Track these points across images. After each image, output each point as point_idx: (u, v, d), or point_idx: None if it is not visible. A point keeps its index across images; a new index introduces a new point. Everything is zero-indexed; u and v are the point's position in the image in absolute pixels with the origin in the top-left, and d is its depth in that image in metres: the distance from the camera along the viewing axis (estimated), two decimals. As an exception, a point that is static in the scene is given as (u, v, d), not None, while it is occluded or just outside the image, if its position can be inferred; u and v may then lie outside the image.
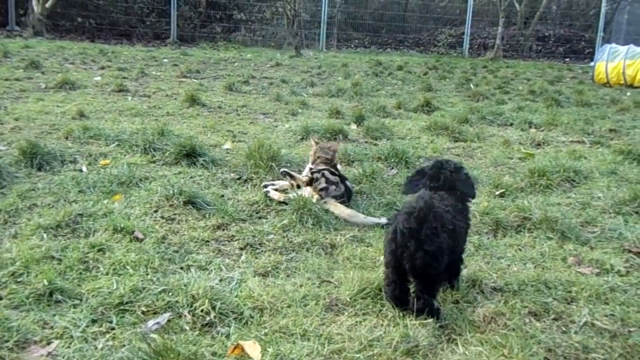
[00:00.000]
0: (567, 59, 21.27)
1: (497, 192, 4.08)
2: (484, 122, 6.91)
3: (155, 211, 3.44)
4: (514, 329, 2.27)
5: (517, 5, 21.80)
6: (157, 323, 2.24)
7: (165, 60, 12.50)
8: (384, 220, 3.42)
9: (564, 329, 2.34)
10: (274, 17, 20.77)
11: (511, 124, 6.91)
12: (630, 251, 3.16)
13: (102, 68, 10.39)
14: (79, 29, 18.62)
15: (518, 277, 2.75)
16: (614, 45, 12.56)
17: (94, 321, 2.25)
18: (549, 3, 23.77)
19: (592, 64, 16.04)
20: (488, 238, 3.32)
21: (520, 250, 3.15)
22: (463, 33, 21.22)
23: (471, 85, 10.73)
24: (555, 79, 12.84)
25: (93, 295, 2.42)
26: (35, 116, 5.76)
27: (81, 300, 2.39)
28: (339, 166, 4.03)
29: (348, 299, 2.49)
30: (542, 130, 6.51)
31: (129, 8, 19.60)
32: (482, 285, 2.68)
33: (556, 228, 3.37)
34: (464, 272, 2.78)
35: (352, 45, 21.94)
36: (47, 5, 16.62)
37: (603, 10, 20.09)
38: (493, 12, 22.17)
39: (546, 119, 7.01)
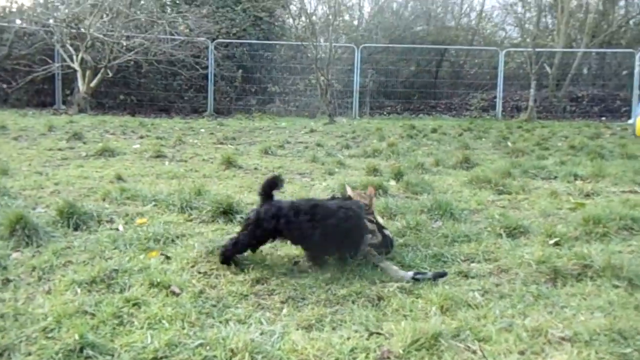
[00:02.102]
0: (602, 118, 20.94)
1: (551, 241, 3.83)
2: (527, 176, 6.69)
3: (193, 266, 3.31)
4: (593, 381, 2.01)
5: (547, 68, 21.83)
6: (194, 378, 2.06)
7: (202, 130, 12.73)
8: (410, 274, 3.18)
9: (649, 381, 2.06)
10: (307, 88, 21.20)
11: (555, 177, 6.66)
12: None
13: (141, 137, 10.60)
14: (120, 106, 19.31)
15: (587, 327, 2.49)
16: (652, 99, 12.31)
17: (126, 377, 2.08)
18: (580, 65, 23.75)
19: (630, 121, 15.75)
20: (547, 287, 3.06)
21: (584, 299, 2.89)
22: (495, 97, 21.22)
23: (509, 143, 10.54)
24: (594, 135, 12.56)
25: (126, 351, 2.27)
26: (74, 181, 5.80)
27: (113, 355, 2.24)
28: (377, 216, 3.86)
29: (401, 351, 2.27)
30: (589, 182, 6.24)
31: (168, 85, 20.31)
32: (548, 335, 2.42)
33: (622, 275, 3.10)
34: (526, 321, 2.53)
35: (385, 113, 22.12)
36: (92, 84, 17.34)
37: (637, 69, 19.92)
38: (524, 76, 22.22)
39: (592, 170, 6.75)
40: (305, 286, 3.06)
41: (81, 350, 2.24)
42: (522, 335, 2.42)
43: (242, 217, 4.34)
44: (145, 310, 2.64)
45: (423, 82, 23.53)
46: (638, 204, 5.02)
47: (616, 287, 3.02)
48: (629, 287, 3.01)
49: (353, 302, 2.85)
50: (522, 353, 2.28)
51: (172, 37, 18.46)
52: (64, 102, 18.35)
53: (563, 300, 2.85)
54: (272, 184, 3.45)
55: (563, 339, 2.39)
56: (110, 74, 17.71)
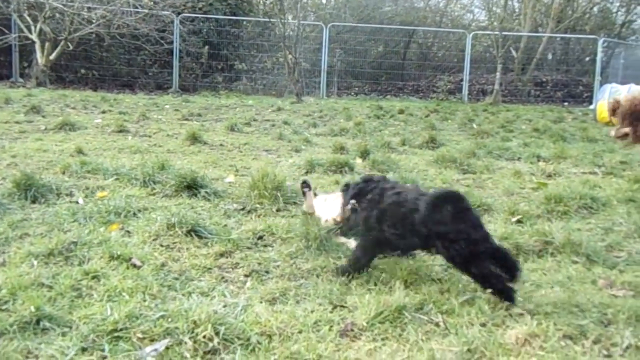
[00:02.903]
0: (565, 103, 21.37)
1: (514, 219, 3.89)
2: (491, 157, 6.77)
3: (155, 239, 3.24)
4: (552, 352, 2.04)
5: (514, 52, 22.09)
6: (155, 350, 2.02)
7: (167, 106, 12.49)
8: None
9: (605, 352, 2.11)
10: (275, 66, 20.99)
11: (519, 158, 6.77)
12: (663, 274, 2.95)
13: (103, 112, 10.34)
14: (81, 80, 18.77)
15: (547, 300, 2.53)
16: (614, 85, 12.59)
17: (84, 349, 2.03)
18: (545, 50, 24.11)
19: (591, 106, 16.10)
20: (509, 263, 3.10)
21: (545, 274, 2.94)
22: (462, 79, 21.41)
23: (474, 125, 10.66)
24: (557, 120, 12.81)
25: (84, 323, 2.21)
26: (33, 154, 5.62)
27: (71, 327, 2.18)
28: None
29: (364, 324, 2.27)
30: (552, 163, 6.36)
31: (132, 60, 19.82)
32: (509, 308, 2.46)
33: (581, 252, 3.17)
34: (488, 295, 2.57)
35: (352, 93, 22.10)
36: (52, 57, 16.80)
37: (599, 56, 20.32)
38: (490, 60, 22.47)
39: (554, 152, 6.88)
40: (270, 260, 3.04)
41: (37, 322, 2.17)
42: (484, 308, 2.44)
43: (206, 192, 4.27)
44: (104, 283, 2.58)
45: (391, 64, 23.55)
46: (597, 184, 5.14)
47: (575, 262, 3.08)
48: (587, 262, 3.08)
49: (318, 276, 2.84)
50: (483, 325, 2.30)
51: (136, 9, 17.98)
52: (21, 75, 17.74)
53: (524, 275, 2.89)
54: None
55: (524, 311, 2.42)
56: (71, 47, 17.18)
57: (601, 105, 12.24)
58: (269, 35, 21.25)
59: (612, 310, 2.44)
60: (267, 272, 2.90)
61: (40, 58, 16.60)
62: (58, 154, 5.71)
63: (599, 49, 20.37)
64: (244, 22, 21.25)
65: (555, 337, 2.17)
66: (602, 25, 25.41)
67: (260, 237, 3.41)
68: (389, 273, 2.87)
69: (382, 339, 2.17)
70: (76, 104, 11.67)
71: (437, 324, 2.31)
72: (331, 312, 2.41)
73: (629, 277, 2.85)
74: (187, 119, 9.96)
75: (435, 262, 3.07)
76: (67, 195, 4.16)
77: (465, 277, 2.83)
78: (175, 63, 19.27)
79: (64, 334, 2.12)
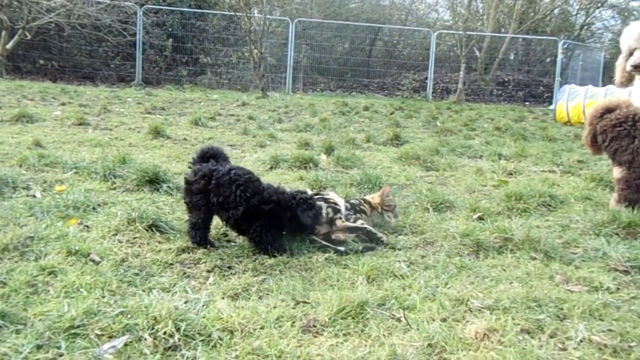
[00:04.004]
0: (527, 103, 21.84)
1: (475, 216, 3.95)
2: (454, 154, 6.87)
3: (115, 235, 3.18)
4: (509, 346, 2.08)
5: (477, 52, 22.46)
6: (113, 347, 1.98)
7: (129, 99, 12.27)
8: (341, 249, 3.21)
9: (561, 345, 2.16)
10: (240, 61, 20.84)
11: (481, 156, 6.89)
12: (616, 269, 3.04)
13: (63, 104, 10.09)
14: (40, 71, 18.27)
15: (506, 296, 2.58)
16: (573, 86, 12.91)
17: (39, 347, 1.97)
18: (507, 51, 24.58)
19: (551, 106, 16.49)
20: (470, 259, 3.15)
21: (504, 270, 2.99)
22: (426, 78, 21.66)
23: (438, 123, 10.79)
24: (518, 119, 13.08)
25: (40, 320, 2.14)
26: (-13, 146, 5.45)
27: (25, 325, 2.11)
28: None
29: (327, 320, 2.27)
30: (512, 162, 6.49)
31: (93, 51, 19.40)
32: (469, 303, 2.50)
33: (539, 248, 3.24)
34: (449, 291, 2.61)
35: (318, 89, 22.11)
36: (8, 46, 16.31)
37: (559, 57, 20.80)
38: (454, 59, 22.78)
39: (515, 151, 7.02)
40: (233, 255, 3.01)
41: (-10, 319, 2.11)
42: (445, 303, 2.47)
43: (169, 187, 4.22)
44: (62, 279, 2.51)
45: (357, 61, 23.67)
46: (556, 182, 5.27)
47: (533, 259, 3.14)
48: (545, 259, 3.15)
49: (281, 272, 2.83)
50: (444, 320, 2.33)
51: (97, 0, 17.58)
52: (-24, 65, 17.17)
53: (484, 271, 2.94)
54: (211, 151, 3.29)
55: (483, 307, 2.46)
56: (29, 36, 16.70)
57: (560, 105, 12.55)
58: (234, 29, 21.08)
59: (567, 305, 2.49)
60: (229, 267, 2.88)
61: (-4, 47, 16.09)
62: (14, 147, 5.54)
63: (559, 51, 20.86)
64: (209, 15, 21.02)
65: (513, 331, 2.22)
66: (562, 27, 26.09)
67: (224, 233, 3.38)
68: (352, 269, 2.89)
69: (344, 335, 2.18)
70: (34, 95, 11.35)
71: (398, 320, 2.32)
72: (294, 308, 2.40)
73: (584, 273, 2.93)
74: (150, 113, 9.80)
75: (397, 258, 3.10)
76: (23, 188, 4.04)
77: (426, 274, 2.88)
78: (139, 55, 18.95)
79: (18, 332, 2.06)
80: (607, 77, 24.00)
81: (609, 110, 4.25)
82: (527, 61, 26.61)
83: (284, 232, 3.19)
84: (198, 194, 3.04)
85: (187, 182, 3.13)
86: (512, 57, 26.42)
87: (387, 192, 3.74)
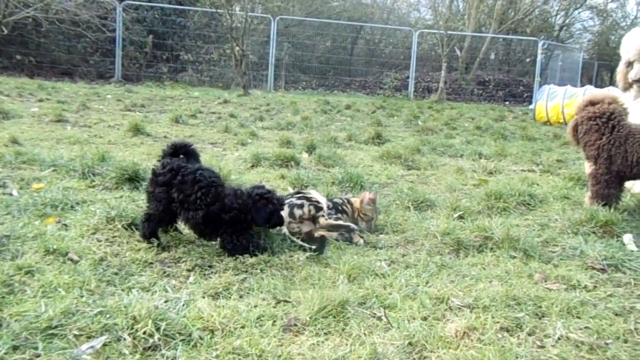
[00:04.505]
0: (507, 102, 22.06)
1: (456, 215, 3.98)
2: (435, 153, 6.91)
3: (93, 234, 3.14)
4: (489, 344, 2.10)
5: (458, 52, 22.61)
6: (91, 347, 1.96)
7: (109, 96, 12.13)
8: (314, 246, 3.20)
9: (539, 343, 2.19)
10: (222, 58, 20.71)
11: (462, 155, 6.94)
12: (593, 268, 3.08)
13: (40, 101, 9.95)
14: (17, 67, 17.96)
15: (486, 294, 2.60)
16: (552, 86, 13.06)
17: (15, 348, 1.95)
18: (488, 51, 24.80)
19: (531, 106, 16.66)
20: (450, 258, 3.18)
21: (484, 268, 3.02)
22: (408, 77, 21.75)
23: (419, 122, 10.85)
24: (499, 118, 13.20)
25: (16, 320, 2.11)
26: (-39, 143, 5.35)
27: (1, 325, 2.08)
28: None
29: (308, 319, 2.27)
30: (493, 161, 6.55)
31: (71, 47, 19.14)
32: (449, 302, 2.51)
33: (519, 247, 3.27)
34: (429, 289, 2.62)
35: (300, 87, 22.09)
36: (-16, 41, 16.02)
37: (539, 57, 21.02)
38: (436, 58, 22.89)
39: (495, 150, 7.09)
40: (213, 254, 3.00)
41: (-36, 320, 2.07)
42: (425, 302, 2.49)
43: (149, 185, 4.17)
44: (39, 278, 2.48)
45: (338, 59, 23.66)
46: (535, 181, 5.33)
47: (513, 257, 3.18)
48: (524, 257, 3.18)
49: (262, 271, 2.82)
50: (424, 319, 2.34)
51: (77, -5, 17.36)
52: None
53: (465, 270, 2.97)
54: (183, 147, 3.26)
55: (463, 305, 2.48)
56: (5, 31, 16.40)
57: (539, 105, 12.70)
58: (215, 26, 20.94)
59: (546, 303, 2.53)
60: (210, 266, 2.86)
61: (-28, 42, 15.80)
62: (-10, 144, 5.45)
63: (539, 51, 21.07)
64: (190, 12, 20.86)
65: (493, 329, 2.24)
66: (542, 28, 26.37)
67: (204, 231, 3.35)
68: (333, 268, 2.89)
69: (325, 334, 2.18)
70: (10, 91, 11.17)
71: (379, 318, 2.33)
72: (274, 307, 2.39)
73: (562, 272, 2.96)
74: (129, 110, 9.71)
75: (378, 257, 3.11)
76: (0, 186, 3.97)
77: (407, 272, 2.89)
78: (118, 52, 18.74)
79: (-7, 332, 2.03)
80: (586, 78, 24.41)
81: (592, 103, 4.30)
82: (507, 61, 26.89)
83: (254, 231, 3.16)
84: (162, 186, 3.02)
85: (153, 173, 3.11)
86: (492, 56, 26.64)
87: (367, 200, 3.67)
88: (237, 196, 3.04)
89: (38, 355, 1.91)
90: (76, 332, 2.03)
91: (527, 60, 25.51)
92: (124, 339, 2.01)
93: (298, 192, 3.61)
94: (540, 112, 12.58)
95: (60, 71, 18.62)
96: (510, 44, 26.77)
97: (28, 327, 2.05)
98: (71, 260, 2.73)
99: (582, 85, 17.18)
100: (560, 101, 12.08)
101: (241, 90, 16.21)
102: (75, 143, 5.86)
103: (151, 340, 2.01)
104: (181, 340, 2.05)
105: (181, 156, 3.17)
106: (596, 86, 19.37)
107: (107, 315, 2.14)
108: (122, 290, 2.46)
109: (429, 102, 18.35)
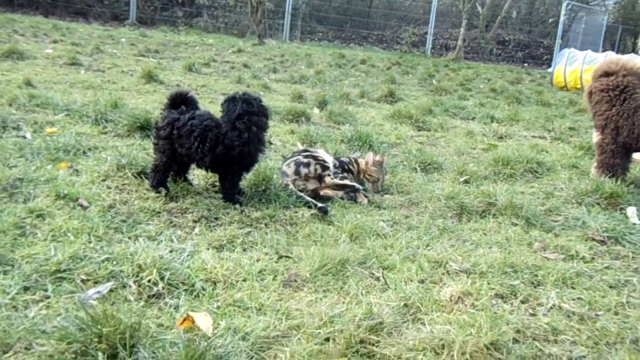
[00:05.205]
0: (525, 64, 21.68)
1: (462, 179, 4.00)
2: (447, 115, 6.87)
3: (104, 180, 3.21)
4: (481, 310, 2.16)
5: (479, 8, 22.09)
6: (98, 292, 2.04)
7: (123, 39, 12.05)
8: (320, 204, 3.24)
9: (531, 311, 2.24)
10: (238, 4, 20.40)
11: (473, 118, 6.89)
12: (593, 239, 3.11)
13: (55, 42, 9.92)
14: (32, 4, 17.83)
15: (484, 260, 2.65)
16: (572, 50, 12.79)
17: (26, 289, 2.03)
18: (510, 9, 24.20)
19: (549, 69, 16.37)
20: (452, 222, 3.22)
21: (485, 234, 3.06)
22: (426, 33, 21.36)
23: (434, 81, 10.73)
24: (515, 81, 13.01)
25: (27, 262, 2.19)
26: (-24, 82, 5.39)
27: (13, 266, 2.16)
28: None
29: (308, 275, 2.34)
30: (504, 125, 6.51)
31: (87, -14, 18.92)
32: (447, 266, 2.57)
33: (521, 214, 3.30)
34: (429, 252, 2.68)
35: (316, 38, 21.78)
36: (-1, -24, 15.86)
37: (562, 18, 20.52)
38: (456, 14, 22.42)
39: (508, 114, 7.03)
40: (220, 207, 3.05)
41: (-22, 259, 2.15)
42: (424, 265, 2.54)
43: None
44: (49, 222, 2.55)
45: (356, 10, 23.23)
46: (545, 148, 5.31)
47: (515, 225, 3.21)
48: (526, 225, 3.21)
49: (266, 225, 2.88)
50: (421, 282, 2.40)
51: None
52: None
53: (466, 235, 3.01)
54: (181, 96, 3.28)
55: (460, 270, 2.54)
56: (22, -32, 16.24)
57: (558, 69, 12.47)
58: (233, -30, 20.56)
59: (542, 272, 2.57)
60: (216, 218, 2.92)
61: (-13, -23, 15.65)
62: (4, 85, 5.48)
63: (563, 12, 20.55)
64: (208, -45, 20.44)
65: (487, 295, 2.29)
66: (568, -12, 25.58)
67: (212, 184, 3.41)
68: (336, 226, 2.94)
69: (324, 291, 2.25)
70: (25, 30, 11.13)
71: (377, 278, 2.39)
72: (276, 262, 2.46)
73: (562, 241, 3.00)
74: (143, 55, 9.67)
75: (381, 217, 3.16)
76: (14, 129, 4.03)
77: (409, 234, 2.94)
78: (133, -7, 18.49)
79: (5, 273, 2.11)
80: (609, 42, 23.82)
81: (607, 73, 4.24)
82: (529, 21, 26.24)
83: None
84: (164, 139, 3.08)
85: (155, 126, 3.18)
86: (514, 15, 26.01)
87: (372, 162, 3.69)
88: (234, 129, 3.07)
89: (47, 297, 1.99)
90: (84, 277, 2.11)
91: (550, 20, 24.90)
92: (130, 286, 2.09)
93: (305, 150, 3.63)
94: (558, 77, 12.37)
95: (74, 10, 18.46)
96: (534, 3, 26.09)
97: (38, 269, 2.13)
98: (81, 205, 2.80)
99: (604, 50, 16.82)
100: (579, 66, 11.85)
101: (256, 39, 16.03)
102: (89, 88, 5.88)
103: (155, 289, 2.09)
104: (184, 290, 2.13)
105: (182, 106, 3.19)
106: (618, 52, 18.97)
107: (114, 262, 2.21)
108: (129, 238, 2.53)
109: (445, 60, 18.08)
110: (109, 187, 3.12)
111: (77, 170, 3.34)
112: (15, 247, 2.31)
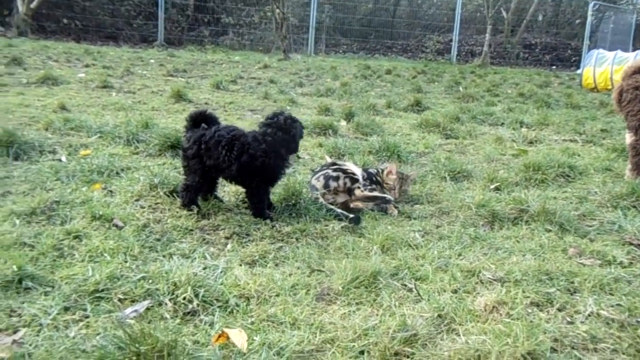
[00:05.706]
0: (553, 67, 21.38)
1: (492, 186, 3.96)
2: (475, 122, 6.82)
3: (137, 200, 3.28)
4: (517, 319, 2.13)
5: (504, 13, 21.90)
6: (135, 311, 2.08)
7: (152, 60, 12.31)
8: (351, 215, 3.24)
9: (569, 319, 2.21)
10: (262, 21, 20.66)
11: (502, 124, 6.83)
12: (631, 243, 3.05)
13: (87, 66, 10.18)
14: (64, 31, 18.35)
15: (518, 268, 2.62)
16: (601, 50, 12.58)
17: (66, 309, 2.08)
18: (536, 12, 23.93)
19: (578, 71, 16.12)
20: (484, 230, 3.19)
21: (518, 241, 3.03)
22: (451, 40, 21.26)
23: (460, 88, 10.66)
24: (544, 84, 12.84)
25: (66, 283, 2.25)
26: (14, 109, 5.57)
27: (53, 287, 2.23)
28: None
29: (340, 288, 2.34)
30: (534, 130, 6.43)
31: (115, 10, 19.38)
32: (480, 275, 2.54)
33: (554, 220, 3.25)
34: (461, 262, 2.66)
35: (341, 51, 21.88)
36: (32, 5, 16.37)
37: (589, 19, 20.21)
38: (480, 20, 22.29)
39: (537, 119, 6.95)
40: (251, 222, 3.09)
41: (20, 281, 2.22)
42: (456, 274, 2.53)
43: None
44: (86, 243, 2.62)
45: (380, 21, 23.26)
46: (576, 152, 5.23)
47: (548, 231, 3.17)
48: (560, 231, 3.16)
49: (297, 240, 2.90)
50: (455, 292, 2.39)
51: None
52: (1, 24, 17.27)
53: (498, 243, 2.98)
54: (201, 115, 3.33)
55: (494, 279, 2.51)
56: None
57: (587, 71, 12.28)
58: (256, -12, 20.84)
59: (579, 278, 2.53)
60: (247, 234, 2.95)
61: (21, 6, 16.19)
62: (40, 110, 5.65)
63: (589, 12, 20.24)
64: (232, -26, 20.78)
65: (523, 304, 2.27)
66: (594, -12, 25.18)
67: (243, 200, 3.45)
68: (367, 238, 2.94)
69: (357, 304, 2.25)
70: (59, 56, 11.46)
71: (410, 290, 2.38)
72: (309, 276, 2.48)
73: (598, 247, 2.94)
74: (172, 75, 9.86)
75: (412, 228, 3.15)
76: (50, 152, 4.16)
77: (440, 244, 2.93)
78: (161, 15, 18.87)
79: (46, 294, 2.17)
80: (639, 41, 23.33)
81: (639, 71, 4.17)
82: (555, 23, 25.87)
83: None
84: (193, 158, 3.14)
85: (182, 148, 3.24)
86: (540, 18, 25.70)
87: (388, 170, 3.72)
88: (258, 141, 3.14)
89: (87, 317, 2.04)
90: (121, 296, 2.16)
91: (577, 22, 24.51)
92: (165, 304, 2.13)
93: (334, 164, 3.65)
94: (588, 78, 12.17)
95: (105, 35, 18.93)
96: (560, 5, 25.74)
97: (77, 289, 2.19)
98: (116, 226, 2.86)
99: (634, 49, 16.49)
100: (609, 66, 11.65)
101: (281, 55, 16.18)
102: (120, 109, 6.02)
103: (190, 306, 2.12)
104: (218, 306, 2.16)
105: (202, 125, 3.25)
106: (649, 50, 18.52)
107: (150, 281, 2.26)
108: (164, 256, 2.58)
109: (471, 66, 17.95)
110: (142, 207, 3.19)
111: (111, 191, 3.42)
112: (55, 269, 2.37)
